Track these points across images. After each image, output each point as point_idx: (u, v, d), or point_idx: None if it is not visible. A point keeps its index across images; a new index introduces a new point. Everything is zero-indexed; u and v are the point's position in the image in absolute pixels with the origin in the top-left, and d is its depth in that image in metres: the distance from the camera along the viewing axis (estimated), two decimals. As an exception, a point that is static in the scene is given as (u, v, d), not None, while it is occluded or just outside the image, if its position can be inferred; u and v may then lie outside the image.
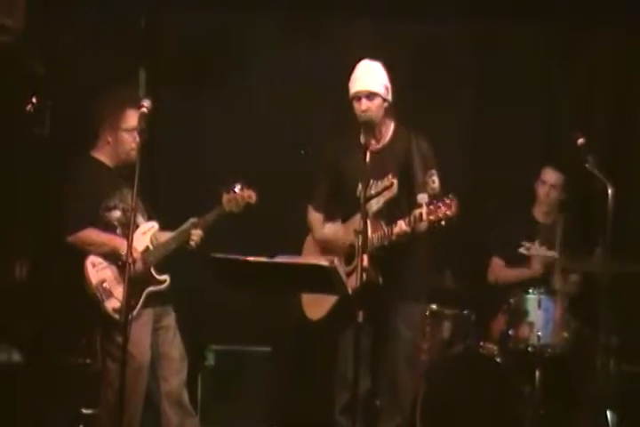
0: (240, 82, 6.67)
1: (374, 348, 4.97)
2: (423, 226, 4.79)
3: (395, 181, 4.98)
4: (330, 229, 5.19)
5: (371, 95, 4.99)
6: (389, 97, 5.06)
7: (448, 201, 4.60)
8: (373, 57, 5.11)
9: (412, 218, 4.73)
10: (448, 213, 4.59)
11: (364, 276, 4.43)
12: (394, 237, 4.81)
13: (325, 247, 5.24)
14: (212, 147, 6.68)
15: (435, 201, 4.65)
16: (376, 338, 4.98)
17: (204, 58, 6.63)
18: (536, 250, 6.09)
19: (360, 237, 4.51)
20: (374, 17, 6.58)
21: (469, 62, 6.74)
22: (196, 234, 5.15)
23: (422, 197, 4.71)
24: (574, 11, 6.46)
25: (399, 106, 5.13)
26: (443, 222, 4.62)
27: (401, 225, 4.77)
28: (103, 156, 5.17)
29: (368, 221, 4.75)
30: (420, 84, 6.46)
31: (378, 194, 4.97)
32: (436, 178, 4.86)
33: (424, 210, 4.65)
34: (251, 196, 5.19)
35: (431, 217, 4.63)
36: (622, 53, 6.63)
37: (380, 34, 6.56)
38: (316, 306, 5.11)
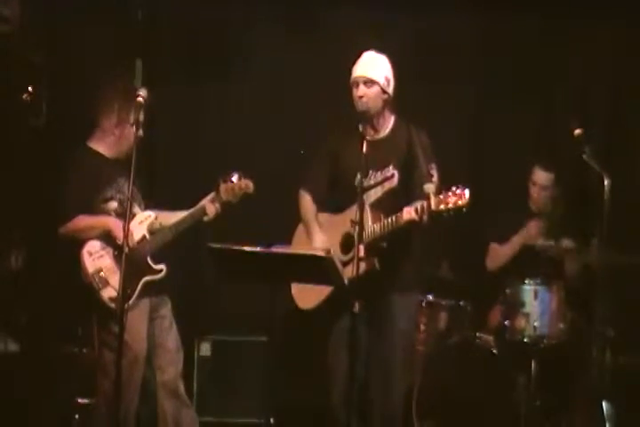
0: (238, 72, 6.67)
1: (369, 338, 4.96)
2: (428, 217, 4.76)
3: (395, 173, 4.96)
4: (316, 234, 5.12)
5: (369, 82, 4.96)
6: (390, 90, 5.01)
7: (459, 191, 4.56)
8: (376, 49, 5.09)
9: (419, 207, 4.66)
10: (460, 202, 4.54)
11: (363, 266, 4.44)
12: (402, 225, 4.75)
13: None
14: (209, 137, 6.68)
15: (444, 191, 4.62)
16: (370, 328, 4.97)
17: (202, 48, 6.62)
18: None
19: (357, 227, 4.51)
20: (375, 10, 6.57)
21: (468, 55, 6.73)
22: (212, 209, 5.12)
23: (429, 187, 4.65)
24: (574, 3, 6.47)
25: (400, 100, 5.11)
26: (452, 213, 4.58)
27: (410, 213, 4.70)
28: (101, 147, 5.13)
29: (368, 211, 4.75)
30: (418, 77, 6.46)
31: (377, 184, 4.95)
32: (435, 171, 4.83)
33: (433, 200, 4.60)
34: (248, 185, 5.14)
35: (441, 206, 4.59)
36: (621, 45, 6.63)
37: (380, 27, 6.54)
38: (306, 295, 5.10)
